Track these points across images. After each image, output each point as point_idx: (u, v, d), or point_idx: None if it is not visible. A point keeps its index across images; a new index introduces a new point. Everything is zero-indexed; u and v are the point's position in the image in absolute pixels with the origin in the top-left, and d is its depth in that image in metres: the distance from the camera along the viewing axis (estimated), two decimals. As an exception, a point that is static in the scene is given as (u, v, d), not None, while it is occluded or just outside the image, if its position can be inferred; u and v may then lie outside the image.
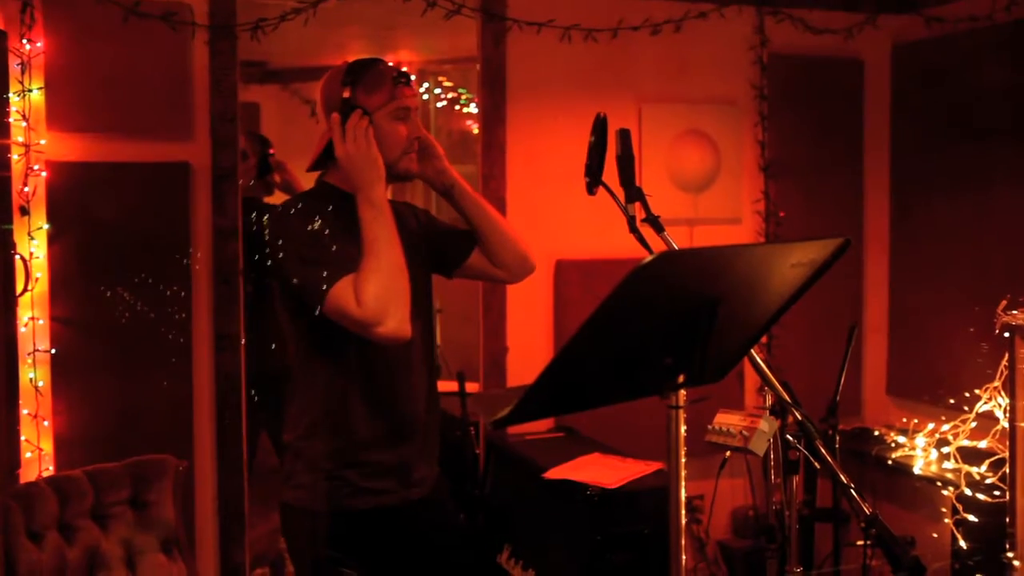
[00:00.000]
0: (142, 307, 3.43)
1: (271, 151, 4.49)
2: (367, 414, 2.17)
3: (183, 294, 3.49)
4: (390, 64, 2.20)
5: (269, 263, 2.09)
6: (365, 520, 2.17)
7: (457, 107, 6.48)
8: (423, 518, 2.25)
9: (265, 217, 2.12)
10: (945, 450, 3.69)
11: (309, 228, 2.07)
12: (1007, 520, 3.12)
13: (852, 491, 1.67)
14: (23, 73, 3.26)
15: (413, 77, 6.09)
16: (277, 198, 4.56)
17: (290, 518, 2.25)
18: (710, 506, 3.74)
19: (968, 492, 3.42)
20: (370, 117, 2.12)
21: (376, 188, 2.07)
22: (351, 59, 2.21)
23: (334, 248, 2.04)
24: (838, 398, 3.47)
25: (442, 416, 2.40)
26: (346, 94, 2.12)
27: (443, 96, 6.49)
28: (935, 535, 3.59)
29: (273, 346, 3.92)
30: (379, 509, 2.18)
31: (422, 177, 2.32)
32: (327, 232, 2.07)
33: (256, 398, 3.94)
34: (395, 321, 1.98)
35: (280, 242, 2.06)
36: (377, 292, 1.96)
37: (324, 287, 1.98)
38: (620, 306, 1.41)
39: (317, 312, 2.01)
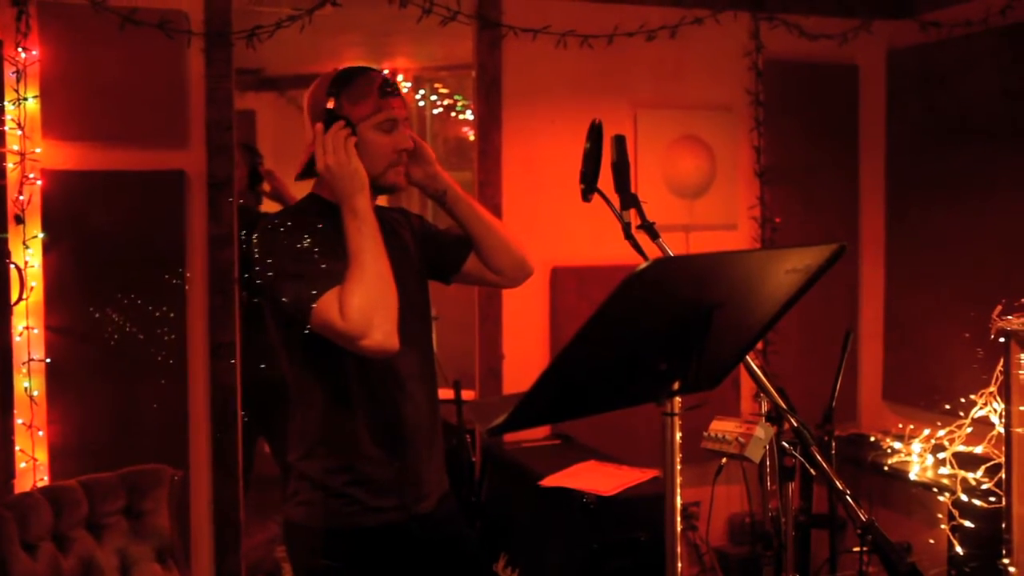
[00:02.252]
0: (137, 316, 3.42)
1: (260, 161, 4.51)
2: (368, 429, 2.13)
3: (178, 303, 3.48)
4: (379, 72, 2.15)
5: (258, 281, 2.05)
6: (370, 537, 2.14)
7: (453, 114, 6.49)
8: (429, 533, 2.20)
9: (253, 233, 2.08)
10: (941, 456, 3.69)
11: (295, 243, 2.03)
12: (1003, 526, 3.12)
13: (848, 497, 1.67)
14: (18, 81, 3.26)
15: (402, 81, 6.15)
16: (267, 207, 4.57)
17: (294, 535, 2.22)
18: (707, 513, 3.74)
19: (964, 498, 3.41)
20: (354, 128, 2.07)
21: (358, 198, 2.02)
22: (342, 66, 2.17)
23: (320, 262, 2.00)
24: (834, 404, 3.47)
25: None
26: (330, 104, 2.08)
27: (439, 103, 6.50)
28: (931, 541, 3.59)
29: (268, 358, 3.91)
30: (384, 526, 2.14)
31: (414, 182, 2.29)
32: (313, 246, 2.03)
33: (254, 407, 3.93)
34: (381, 333, 1.93)
35: (266, 259, 2.02)
36: (361, 304, 1.91)
37: (310, 302, 1.94)
38: (615, 313, 1.40)
39: (307, 329, 1.97)
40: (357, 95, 2.09)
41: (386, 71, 2.24)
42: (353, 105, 2.09)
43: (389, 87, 2.13)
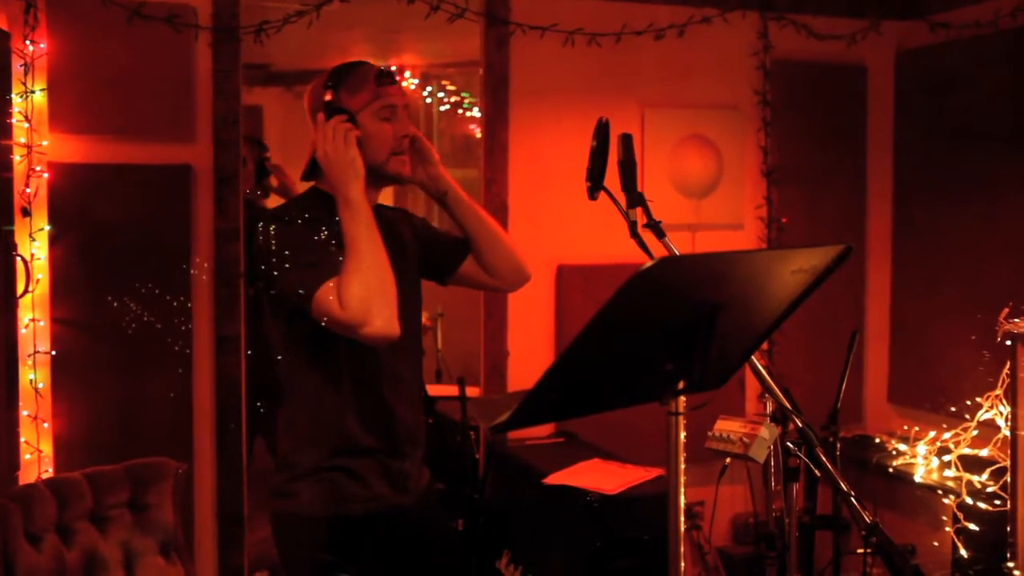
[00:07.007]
0: (143, 309, 3.42)
1: (267, 155, 4.51)
2: (359, 422, 2.14)
3: (184, 296, 3.48)
4: (374, 64, 2.18)
5: (260, 272, 2.07)
6: (356, 525, 2.15)
7: (460, 111, 6.48)
8: (415, 523, 2.23)
9: (260, 226, 2.10)
10: (946, 458, 3.68)
11: (295, 235, 2.05)
12: (1008, 529, 3.11)
13: (852, 499, 1.67)
14: (26, 74, 3.26)
15: (409, 78, 6.15)
16: (274, 201, 4.58)
17: (283, 526, 2.22)
18: (710, 513, 3.74)
19: (969, 501, 3.41)
20: (354, 118, 2.10)
21: (352, 188, 2.03)
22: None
23: (319, 253, 2.02)
24: (839, 405, 3.45)
25: (442, 420, 2.39)
26: (328, 96, 2.11)
27: (446, 100, 6.49)
28: (936, 544, 3.58)
29: (269, 354, 3.92)
30: (371, 515, 2.16)
31: (416, 181, 2.30)
32: (313, 238, 2.05)
33: (257, 403, 3.93)
34: (381, 320, 1.95)
35: (267, 251, 2.04)
36: (360, 293, 1.93)
37: (310, 292, 1.96)
38: (620, 311, 1.40)
39: (309, 320, 1.99)
40: (354, 85, 2.13)
41: (393, 67, 2.26)
42: (351, 96, 2.12)
43: (386, 76, 2.16)
